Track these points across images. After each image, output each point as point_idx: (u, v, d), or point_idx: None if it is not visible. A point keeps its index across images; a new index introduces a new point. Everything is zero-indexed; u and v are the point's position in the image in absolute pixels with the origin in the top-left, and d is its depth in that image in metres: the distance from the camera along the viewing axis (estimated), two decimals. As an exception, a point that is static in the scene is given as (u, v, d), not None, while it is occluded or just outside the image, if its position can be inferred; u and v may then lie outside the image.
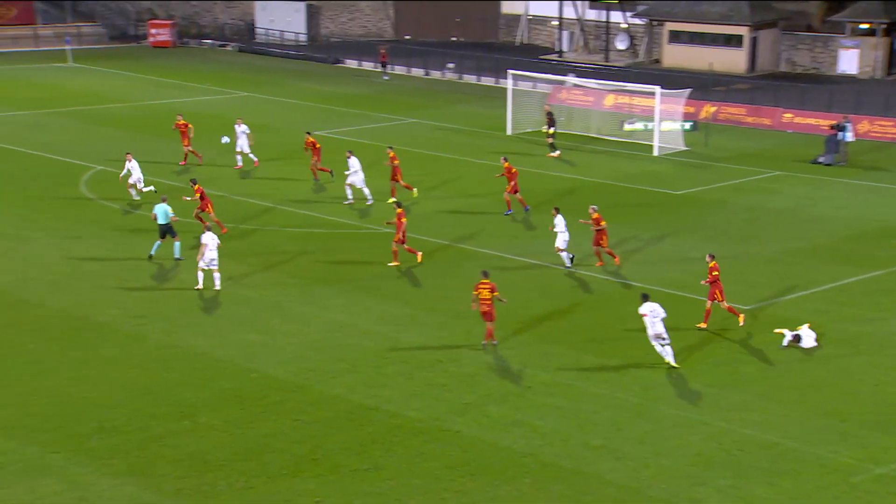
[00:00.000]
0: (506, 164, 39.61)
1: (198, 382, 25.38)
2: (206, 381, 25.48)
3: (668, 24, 76.96)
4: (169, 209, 33.86)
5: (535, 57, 76.94)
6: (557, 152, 49.85)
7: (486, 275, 27.51)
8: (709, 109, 59.20)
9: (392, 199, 38.52)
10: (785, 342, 27.65)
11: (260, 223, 38.52)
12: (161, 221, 33.74)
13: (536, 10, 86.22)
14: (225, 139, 47.02)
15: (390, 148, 41.96)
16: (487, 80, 71.83)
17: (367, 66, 78.81)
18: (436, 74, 75.78)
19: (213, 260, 31.11)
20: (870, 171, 48.33)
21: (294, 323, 29.18)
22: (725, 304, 28.61)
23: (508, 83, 56.74)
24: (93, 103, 62.99)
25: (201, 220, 35.69)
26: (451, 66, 75.76)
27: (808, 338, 27.61)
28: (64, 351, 27.27)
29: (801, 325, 28.12)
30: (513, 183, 39.36)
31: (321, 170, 43.98)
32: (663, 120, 51.95)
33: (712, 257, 28.68)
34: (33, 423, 23.25)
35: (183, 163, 46.52)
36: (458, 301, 29.96)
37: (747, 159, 50.33)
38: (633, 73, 66.71)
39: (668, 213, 40.74)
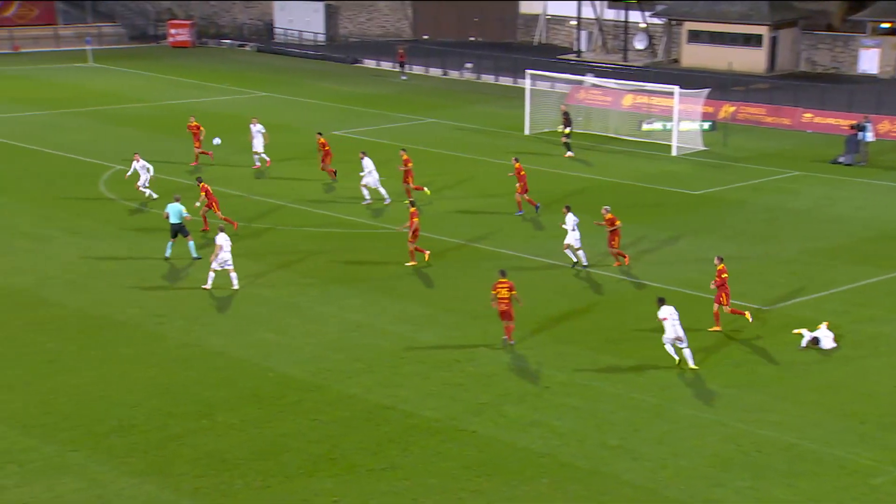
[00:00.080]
0: (517, 165, 39.58)
1: (216, 382, 25.48)
2: (224, 380, 25.57)
3: (686, 23, 76.72)
4: (182, 209, 33.94)
5: (553, 57, 76.79)
6: (570, 153, 49.73)
7: (503, 274, 27.52)
8: (728, 109, 58.97)
9: (408, 200, 38.52)
10: (804, 343, 27.52)
11: (275, 222, 38.60)
12: (173, 221, 33.82)
13: (554, 9, 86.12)
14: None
15: (403, 150, 41.87)
16: (505, 80, 71.76)
17: (386, 66, 78.86)
18: (454, 74, 75.77)
19: (226, 261, 31.22)
20: (890, 171, 48.03)
21: (311, 323, 29.24)
22: (728, 308, 28.42)
23: (526, 83, 56.63)
24: (113, 103, 63.27)
25: (206, 219, 35.79)
26: (469, 65, 75.69)
27: (827, 338, 27.49)
28: (83, 350, 27.40)
29: (820, 324, 28.01)
30: (522, 183, 39.34)
31: (326, 170, 44.02)
32: (682, 120, 51.77)
33: (721, 260, 28.58)
34: (53, 421, 23.38)
35: (195, 163, 46.67)
36: (475, 301, 29.98)
37: (766, 159, 50.12)
38: (652, 73, 66.43)
39: (686, 214, 40.62)
